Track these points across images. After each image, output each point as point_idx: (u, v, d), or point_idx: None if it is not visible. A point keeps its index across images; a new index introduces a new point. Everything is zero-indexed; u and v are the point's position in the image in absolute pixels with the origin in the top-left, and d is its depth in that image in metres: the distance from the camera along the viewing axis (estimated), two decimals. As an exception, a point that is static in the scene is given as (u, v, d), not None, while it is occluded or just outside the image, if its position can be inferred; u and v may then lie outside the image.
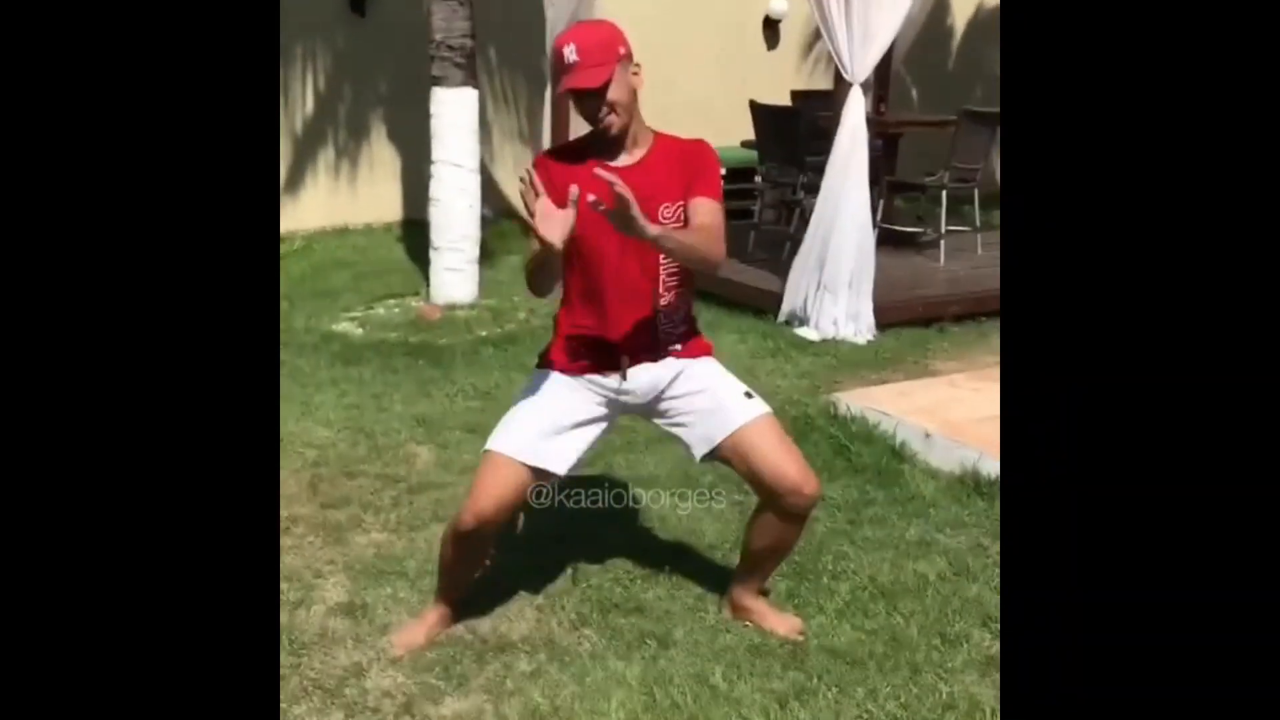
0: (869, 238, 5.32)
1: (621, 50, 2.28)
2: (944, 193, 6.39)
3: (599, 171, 2.07)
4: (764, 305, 5.55)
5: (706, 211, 2.30)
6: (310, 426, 3.96)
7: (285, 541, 3.05)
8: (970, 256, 6.45)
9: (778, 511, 2.45)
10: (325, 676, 2.43)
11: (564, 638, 2.59)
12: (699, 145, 2.39)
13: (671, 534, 3.14)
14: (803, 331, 5.26)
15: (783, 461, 2.39)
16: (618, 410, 2.52)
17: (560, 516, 3.12)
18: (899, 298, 5.55)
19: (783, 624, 2.62)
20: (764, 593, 2.72)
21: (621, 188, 2.02)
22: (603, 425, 2.51)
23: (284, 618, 2.65)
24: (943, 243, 6.38)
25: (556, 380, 2.46)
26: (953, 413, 3.91)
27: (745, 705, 2.32)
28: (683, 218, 2.31)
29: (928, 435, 3.71)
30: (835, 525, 3.19)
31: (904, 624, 2.63)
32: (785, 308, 5.45)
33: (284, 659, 2.48)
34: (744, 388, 2.48)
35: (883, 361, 4.90)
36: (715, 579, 2.84)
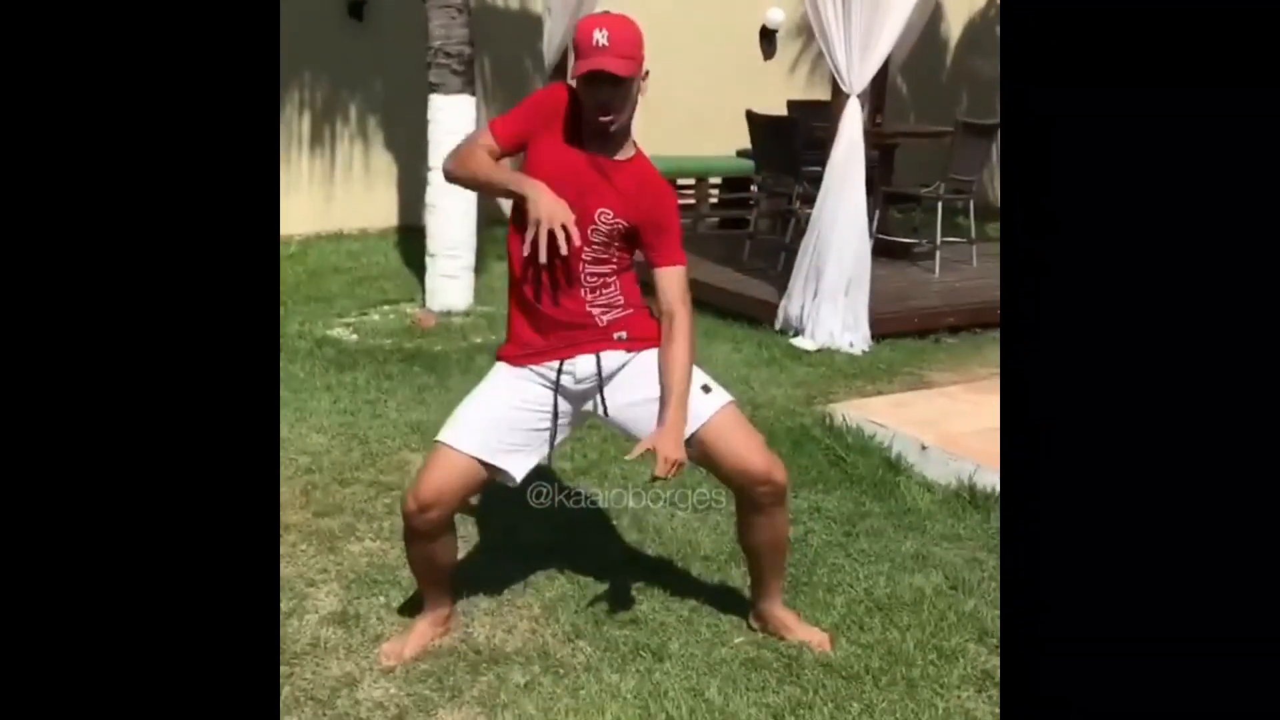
0: (865, 248, 5.32)
1: (643, 55, 2.26)
2: (939, 204, 6.39)
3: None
4: (759, 314, 5.55)
5: (679, 294, 2.36)
6: (304, 433, 3.94)
7: (278, 550, 3.04)
8: (965, 268, 6.46)
9: (753, 505, 2.46)
10: (317, 687, 2.41)
11: (558, 650, 2.57)
12: (668, 192, 2.41)
13: (667, 546, 3.12)
14: (798, 341, 5.26)
15: (745, 454, 2.38)
16: (569, 404, 2.44)
17: (554, 527, 3.10)
18: (894, 309, 5.55)
19: (812, 636, 2.60)
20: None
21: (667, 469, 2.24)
22: (554, 421, 2.42)
23: (276, 627, 2.64)
24: (938, 254, 6.38)
25: (505, 373, 2.43)
26: (949, 425, 3.90)
27: (740, 719, 2.31)
28: (619, 235, 2.33)
29: (924, 447, 3.70)
30: (831, 537, 3.18)
31: (900, 638, 2.62)
32: (781, 317, 5.45)
33: (276, 669, 2.47)
34: (702, 380, 2.41)
35: (878, 372, 4.89)
36: (711, 591, 2.83)
